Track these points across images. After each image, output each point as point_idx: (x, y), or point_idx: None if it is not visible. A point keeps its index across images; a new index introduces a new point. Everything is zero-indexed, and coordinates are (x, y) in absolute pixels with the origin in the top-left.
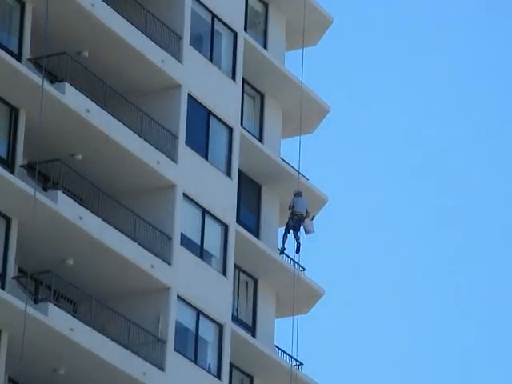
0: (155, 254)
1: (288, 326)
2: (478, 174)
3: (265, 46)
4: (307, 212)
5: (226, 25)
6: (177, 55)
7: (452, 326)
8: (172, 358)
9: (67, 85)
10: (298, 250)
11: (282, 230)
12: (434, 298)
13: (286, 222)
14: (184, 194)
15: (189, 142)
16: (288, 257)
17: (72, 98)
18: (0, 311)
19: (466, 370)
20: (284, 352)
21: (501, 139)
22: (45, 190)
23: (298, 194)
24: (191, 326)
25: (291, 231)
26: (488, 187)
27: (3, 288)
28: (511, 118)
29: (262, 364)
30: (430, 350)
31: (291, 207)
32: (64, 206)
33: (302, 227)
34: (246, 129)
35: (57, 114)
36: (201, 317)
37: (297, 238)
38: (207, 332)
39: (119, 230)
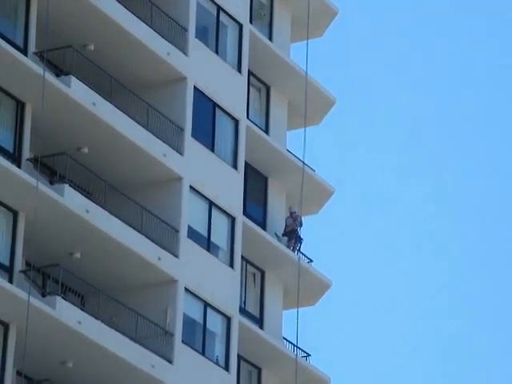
0: (162, 247)
1: (296, 317)
2: (488, 174)
3: (270, 38)
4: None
5: (231, 17)
6: (182, 47)
7: (460, 314)
8: (180, 350)
9: (73, 78)
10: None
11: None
12: (442, 287)
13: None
14: (190, 186)
15: (195, 135)
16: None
17: (78, 91)
18: (8, 305)
19: (475, 356)
20: (292, 343)
21: (504, 140)
22: (51, 183)
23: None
24: (199, 318)
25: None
26: (491, 188)
27: (11, 282)
28: None
29: (269, 356)
30: (439, 338)
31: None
32: (71, 199)
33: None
34: (251, 121)
35: (63, 108)
36: (208, 309)
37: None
38: (215, 324)
39: (126, 223)
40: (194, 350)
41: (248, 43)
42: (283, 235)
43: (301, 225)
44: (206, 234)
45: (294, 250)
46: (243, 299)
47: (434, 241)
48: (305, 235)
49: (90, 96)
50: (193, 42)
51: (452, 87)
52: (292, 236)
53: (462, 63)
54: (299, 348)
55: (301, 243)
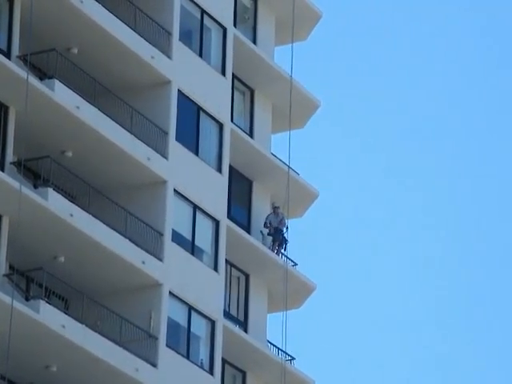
0: (146, 251)
1: (280, 321)
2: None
3: (254, 42)
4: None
5: (215, 20)
6: (166, 51)
7: (447, 320)
8: (164, 353)
9: (56, 81)
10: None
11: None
12: (429, 291)
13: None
14: (175, 189)
15: (179, 138)
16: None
17: (61, 94)
18: None
19: (464, 364)
20: (276, 347)
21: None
22: (35, 187)
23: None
24: (183, 321)
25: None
26: (482, 189)
27: None
28: None
29: (254, 359)
30: (424, 342)
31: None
32: (55, 203)
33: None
34: (236, 124)
35: (46, 111)
36: (192, 312)
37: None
38: (199, 328)
39: (110, 227)
40: (179, 353)
41: (232, 47)
42: (268, 234)
43: (286, 226)
44: (190, 238)
45: (279, 252)
46: (227, 303)
47: (420, 243)
48: (289, 238)
49: (74, 99)
50: (177, 45)
51: (442, 89)
52: (277, 237)
53: (451, 66)
54: (284, 351)
55: (286, 244)
